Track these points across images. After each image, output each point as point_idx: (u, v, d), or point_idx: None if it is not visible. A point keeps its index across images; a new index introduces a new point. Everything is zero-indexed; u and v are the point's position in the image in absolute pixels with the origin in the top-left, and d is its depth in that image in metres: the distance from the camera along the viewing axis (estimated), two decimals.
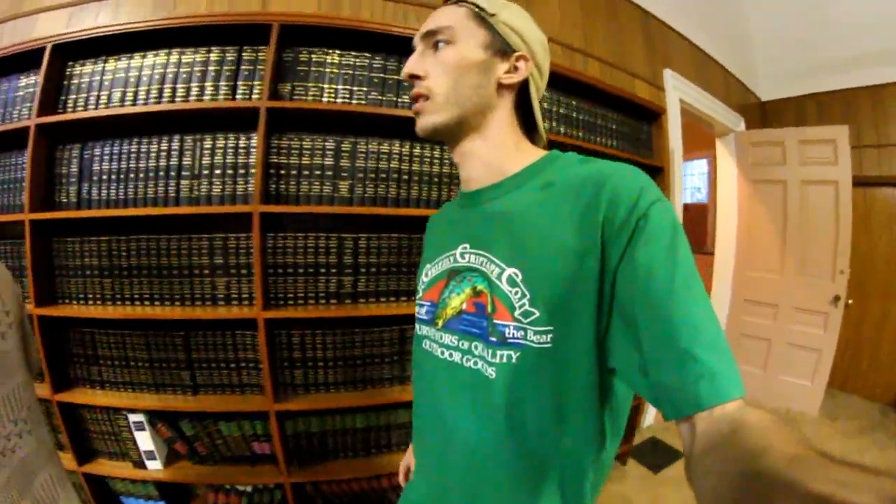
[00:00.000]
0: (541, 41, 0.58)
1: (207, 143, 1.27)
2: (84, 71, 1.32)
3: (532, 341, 0.49)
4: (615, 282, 0.45)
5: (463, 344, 0.55)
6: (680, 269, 0.43)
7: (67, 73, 1.32)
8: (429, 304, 0.62)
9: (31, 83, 1.33)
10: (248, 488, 1.40)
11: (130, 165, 1.30)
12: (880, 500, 0.21)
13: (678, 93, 2.26)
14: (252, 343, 1.28)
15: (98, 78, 1.31)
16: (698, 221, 4.00)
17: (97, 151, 1.31)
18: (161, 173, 1.28)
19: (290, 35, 1.26)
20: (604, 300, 0.45)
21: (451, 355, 0.57)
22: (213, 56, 1.27)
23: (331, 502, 1.40)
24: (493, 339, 0.51)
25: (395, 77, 1.33)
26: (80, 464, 1.36)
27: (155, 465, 1.34)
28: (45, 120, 1.24)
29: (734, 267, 2.82)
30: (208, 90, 1.27)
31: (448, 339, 0.57)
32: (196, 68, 1.27)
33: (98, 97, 1.30)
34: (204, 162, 1.27)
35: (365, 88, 1.31)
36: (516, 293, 0.50)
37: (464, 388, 0.55)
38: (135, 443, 1.32)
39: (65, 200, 1.31)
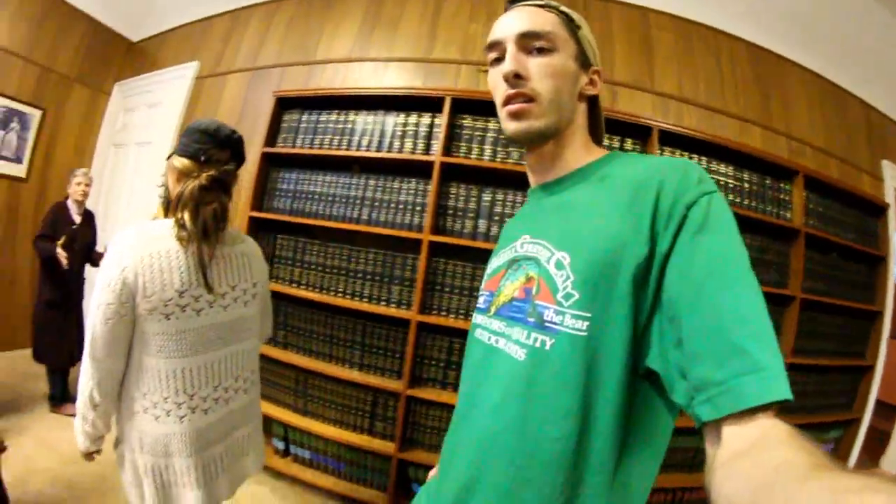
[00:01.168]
0: (598, 55, 0.66)
1: (395, 184, 1.71)
2: (321, 119, 1.87)
3: (568, 327, 0.48)
4: (664, 270, 0.45)
5: (507, 329, 0.55)
6: (732, 259, 0.42)
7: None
8: (487, 293, 0.63)
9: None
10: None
11: (337, 192, 1.79)
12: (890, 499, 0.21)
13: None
14: (403, 338, 1.64)
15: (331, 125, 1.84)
16: None
17: (314, 178, 1.84)
18: (357, 201, 1.76)
19: (459, 106, 1.65)
20: (648, 288, 0.45)
21: (496, 341, 0.56)
22: (411, 119, 1.71)
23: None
24: (532, 319, 0.51)
25: None
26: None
27: None
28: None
29: None
30: (395, 144, 1.71)
31: (497, 325, 0.57)
32: (390, 127, 1.73)
33: (322, 140, 1.83)
34: (387, 197, 1.72)
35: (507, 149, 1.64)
36: (562, 275, 0.50)
37: (499, 375, 0.53)
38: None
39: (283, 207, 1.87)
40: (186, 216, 0.84)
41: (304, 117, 1.89)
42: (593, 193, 0.55)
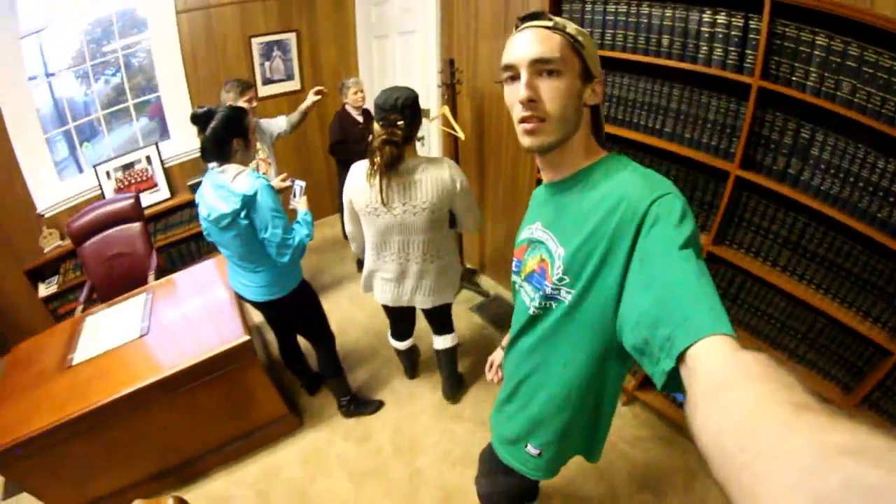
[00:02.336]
0: (599, 59, 0.73)
1: (703, 99, 1.54)
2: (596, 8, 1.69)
3: (562, 299, 0.76)
4: (632, 258, 0.64)
5: (531, 292, 0.83)
6: (676, 241, 0.58)
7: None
8: (517, 260, 0.90)
9: None
10: None
11: (624, 95, 1.74)
12: (893, 472, 0.20)
13: None
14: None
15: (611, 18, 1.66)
16: None
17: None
18: (652, 110, 1.68)
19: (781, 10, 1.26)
20: (615, 273, 0.67)
21: (525, 297, 0.86)
22: (719, 18, 1.40)
23: None
24: (541, 293, 0.79)
25: None
26: None
27: None
28: None
29: None
30: (702, 49, 1.46)
31: (528, 288, 0.85)
32: (695, 26, 1.45)
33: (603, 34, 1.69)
34: (692, 111, 1.58)
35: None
36: (558, 266, 0.75)
37: (523, 315, 0.87)
38: None
39: None
40: (375, 159, 1.47)
41: (588, 7, 1.72)
42: (582, 199, 0.74)
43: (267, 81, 3.22)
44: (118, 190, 2.82)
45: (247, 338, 1.79)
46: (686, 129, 1.63)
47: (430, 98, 2.96)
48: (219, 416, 1.94)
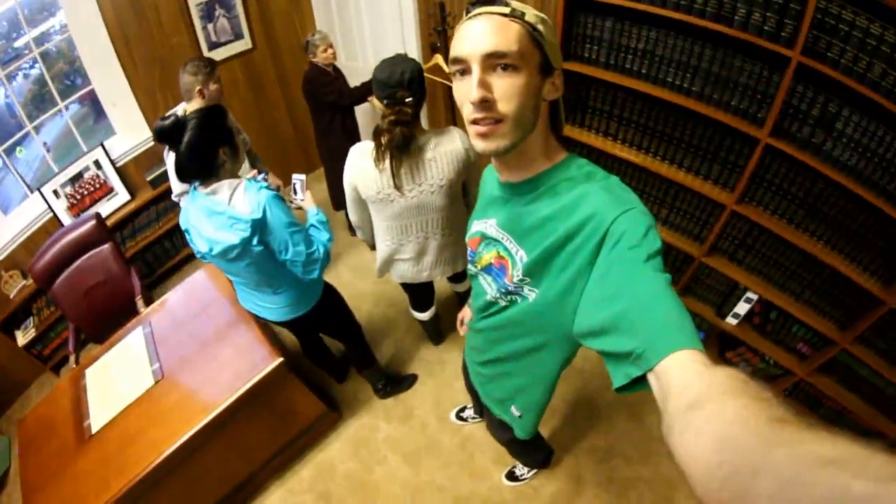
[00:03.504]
0: (558, 47, 0.66)
1: (737, 63, 1.49)
2: None
3: (525, 295, 0.76)
4: (594, 270, 0.63)
5: (490, 282, 0.84)
6: (641, 255, 0.57)
7: None
8: (471, 250, 0.91)
9: None
10: None
11: (652, 49, 1.65)
12: (878, 481, 0.19)
13: None
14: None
15: None
16: None
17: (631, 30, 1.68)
18: (680, 67, 1.62)
19: None
20: (579, 279, 0.66)
21: (485, 286, 0.87)
22: None
23: None
24: (503, 290, 0.80)
25: None
26: None
27: None
28: None
29: None
30: (740, 13, 1.39)
31: (484, 276, 0.87)
32: None
33: None
34: (723, 73, 1.53)
35: None
36: (518, 268, 0.75)
37: (485, 304, 0.88)
38: None
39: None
40: (383, 141, 1.33)
41: None
42: (543, 206, 0.70)
43: (213, 46, 2.74)
44: (72, 208, 2.44)
45: (280, 360, 1.71)
46: (716, 90, 1.60)
47: (408, 41, 2.66)
48: (262, 435, 1.91)
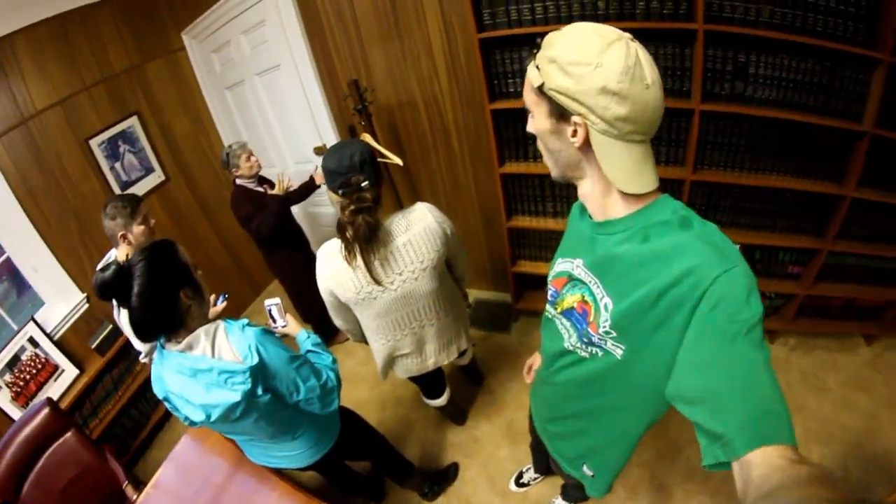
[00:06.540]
0: (599, 89, 0.56)
1: (651, 50, 1.64)
2: None
3: (609, 349, 0.70)
4: (686, 340, 0.59)
5: (569, 329, 0.80)
6: (740, 326, 0.54)
7: None
8: (553, 290, 0.85)
9: None
10: None
11: None
12: None
13: None
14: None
15: None
16: None
17: None
18: None
19: None
20: (671, 337, 0.61)
21: (563, 332, 0.82)
22: None
23: None
24: (584, 339, 0.74)
25: None
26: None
27: None
28: None
29: None
30: (640, 6, 1.54)
31: (563, 321, 0.82)
32: None
33: None
34: None
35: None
36: (604, 317, 0.68)
37: (560, 353, 0.83)
38: None
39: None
40: (348, 235, 1.22)
41: None
42: (632, 251, 0.65)
43: (126, 185, 2.56)
44: (17, 397, 2.09)
45: None
46: None
47: (324, 132, 2.64)
48: None
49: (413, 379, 1.73)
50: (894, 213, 1.79)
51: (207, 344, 1.05)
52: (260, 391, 1.07)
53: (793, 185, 1.77)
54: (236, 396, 1.04)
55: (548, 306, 0.88)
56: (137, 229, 1.69)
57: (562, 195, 2.13)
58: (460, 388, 2.27)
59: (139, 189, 2.62)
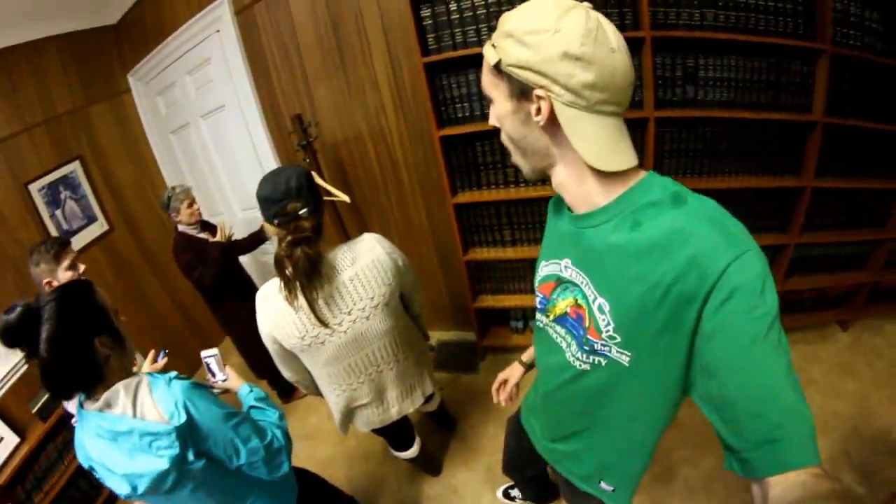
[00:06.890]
0: (560, 55, 0.50)
1: None
2: None
3: (614, 356, 0.62)
4: (696, 337, 0.52)
5: (566, 337, 0.72)
6: (757, 326, 0.47)
7: None
8: (542, 296, 0.77)
9: None
10: None
11: None
12: None
13: None
14: None
15: None
16: None
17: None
18: None
19: None
20: (682, 337, 0.53)
21: (560, 341, 0.74)
22: None
23: None
24: (586, 347, 0.65)
25: None
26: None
27: None
28: None
29: None
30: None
31: (557, 329, 0.74)
32: None
33: None
34: None
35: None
36: (604, 320, 0.60)
37: (561, 366, 0.74)
38: None
39: None
40: (287, 272, 1.05)
41: (453, 6, 1.60)
42: (626, 239, 0.56)
43: (67, 234, 2.31)
44: None
45: None
46: None
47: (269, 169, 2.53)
48: None
49: (377, 431, 1.54)
50: (853, 197, 1.83)
51: (128, 401, 0.89)
52: (191, 456, 0.90)
53: (753, 183, 1.78)
54: (163, 464, 0.87)
55: (538, 314, 0.79)
56: (64, 275, 1.53)
57: (518, 221, 2.05)
58: (431, 436, 2.10)
59: (81, 239, 2.39)
